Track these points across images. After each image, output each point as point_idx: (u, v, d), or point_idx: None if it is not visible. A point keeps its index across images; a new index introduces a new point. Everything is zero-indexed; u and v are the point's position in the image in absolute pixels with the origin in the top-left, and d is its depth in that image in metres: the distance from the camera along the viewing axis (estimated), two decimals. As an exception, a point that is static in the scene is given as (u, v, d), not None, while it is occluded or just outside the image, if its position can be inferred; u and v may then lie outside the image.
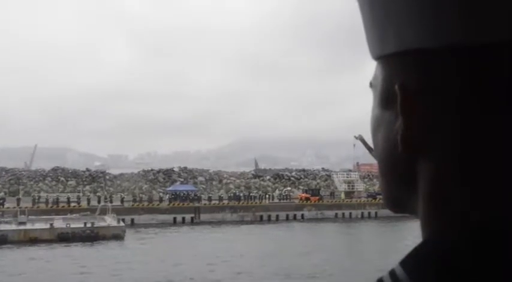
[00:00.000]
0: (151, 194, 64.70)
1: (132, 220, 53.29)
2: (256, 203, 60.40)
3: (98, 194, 63.93)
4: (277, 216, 58.36)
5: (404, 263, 0.44)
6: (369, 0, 0.48)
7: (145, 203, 57.39)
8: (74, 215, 48.93)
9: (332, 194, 66.71)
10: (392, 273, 0.44)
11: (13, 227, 43.74)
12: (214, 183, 76.90)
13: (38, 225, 44.16)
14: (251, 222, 55.61)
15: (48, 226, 43.62)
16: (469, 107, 0.43)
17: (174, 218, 55.00)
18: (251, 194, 64.39)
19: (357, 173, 75.89)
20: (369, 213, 60.67)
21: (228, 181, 77.52)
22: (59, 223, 44.93)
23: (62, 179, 73.71)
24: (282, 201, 63.41)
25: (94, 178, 74.32)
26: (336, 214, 60.29)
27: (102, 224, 45.63)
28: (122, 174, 77.35)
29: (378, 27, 0.48)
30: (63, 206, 54.60)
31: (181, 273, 31.26)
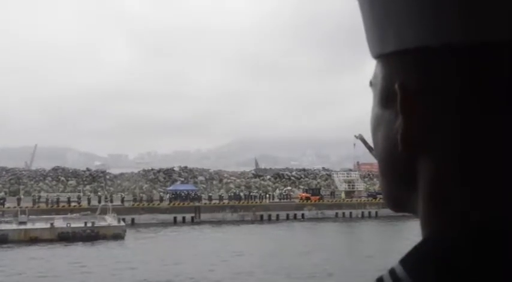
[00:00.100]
0: (151, 193, 64.74)
1: (133, 220, 53.29)
2: (256, 202, 60.38)
3: (98, 193, 63.91)
4: (277, 215, 58.36)
5: (404, 261, 0.44)
6: None
7: (146, 203, 57.39)
8: (75, 214, 48.93)
9: (332, 194, 66.70)
10: (392, 272, 0.44)
11: (13, 226, 43.74)
12: (214, 182, 76.89)
13: (39, 225, 44.17)
14: (251, 222, 55.62)
15: (48, 226, 43.63)
16: (469, 107, 0.43)
17: (175, 218, 55.00)
18: (251, 194, 64.37)
19: (357, 173, 75.81)
20: (369, 212, 60.66)
21: (229, 181, 77.51)
22: (60, 223, 44.93)
23: (63, 178, 73.73)
24: (282, 200, 63.39)
25: (94, 178, 74.33)
26: (337, 214, 60.28)
27: (102, 223, 45.61)
28: (122, 174, 77.33)
29: (378, 26, 0.48)
30: (63, 206, 54.60)
31: (182, 272, 31.25)
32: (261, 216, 57.66)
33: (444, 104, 0.44)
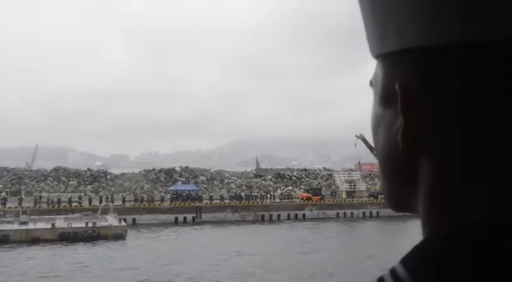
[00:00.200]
0: (152, 193, 64.75)
1: (134, 220, 53.30)
2: (257, 202, 60.36)
3: (99, 194, 63.94)
4: (278, 215, 58.34)
5: (405, 261, 0.44)
6: None
7: (147, 203, 57.38)
8: (76, 214, 48.90)
9: (333, 194, 66.69)
10: (393, 272, 0.44)
11: (15, 226, 43.75)
12: (215, 182, 76.86)
13: (40, 225, 44.17)
14: (252, 222, 55.58)
15: (49, 226, 43.62)
16: (469, 107, 0.43)
17: (176, 218, 54.98)
18: (252, 194, 64.41)
19: (358, 173, 75.75)
20: (371, 212, 60.62)
21: (230, 181, 77.50)
22: (61, 223, 44.92)
23: (64, 179, 73.75)
24: (283, 200, 63.38)
25: (95, 178, 74.35)
26: (338, 214, 60.24)
27: (103, 223, 45.60)
28: (123, 174, 77.36)
29: (378, 25, 0.48)
30: (64, 206, 54.60)
31: (183, 272, 31.24)
32: (262, 216, 57.64)
33: (444, 104, 0.44)
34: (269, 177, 79.55)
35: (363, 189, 68.51)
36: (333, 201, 63.37)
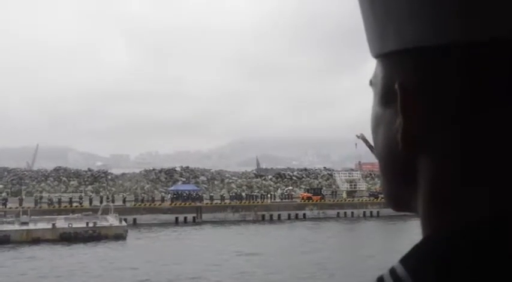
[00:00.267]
0: (153, 193, 64.79)
1: (134, 220, 53.33)
2: (258, 202, 60.36)
3: (100, 194, 63.96)
4: (279, 215, 58.35)
5: (404, 260, 0.44)
6: None
7: (147, 203, 57.41)
8: (76, 215, 48.91)
9: (334, 193, 66.74)
10: (392, 271, 0.44)
11: (15, 227, 43.78)
12: (216, 182, 76.88)
13: (40, 225, 44.20)
14: (253, 222, 55.60)
15: (50, 226, 43.66)
16: (469, 106, 0.43)
17: (176, 218, 54.99)
18: (253, 194, 64.48)
19: (358, 172, 75.78)
20: (371, 212, 60.63)
21: (230, 181, 77.52)
22: (61, 223, 44.95)
23: (64, 179, 73.79)
24: (283, 200, 63.41)
25: (96, 178, 74.38)
26: (338, 213, 60.25)
27: (104, 223, 45.63)
28: (123, 174, 77.40)
29: (378, 25, 0.48)
30: (65, 206, 54.63)
31: (183, 272, 31.25)
32: (263, 216, 57.65)
33: (444, 104, 0.44)
34: (269, 177, 79.56)
35: (364, 189, 68.55)
36: (334, 201, 63.38)
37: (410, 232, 38.07)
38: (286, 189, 71.09)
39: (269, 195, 64.12)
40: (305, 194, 64.51)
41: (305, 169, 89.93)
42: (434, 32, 0.43)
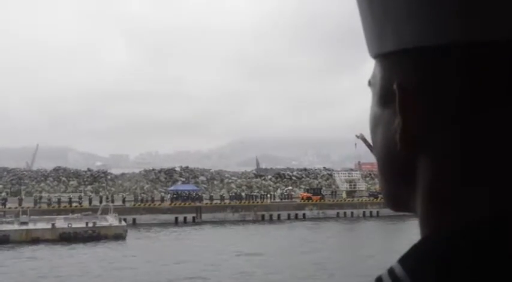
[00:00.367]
0: (152, 193, 64.79)
1: (134, 220, 53.32)
2: (257, 202, 60.37)
3: (99, 194, 63.96)
4: (278, 215, 58.35)
5: (403, 260, 0.44)
6: None
7: (147, 203, 57.41)
8: (76, 215, 48.90)
9: (334, 193, 66.70)
10: (391, 272, 0.44)
11: (15, 227, 43.76)
12: (215, 182, 76.88)
13: (40, 225, 44.19)
14: (253, 222, 55.60)
15: (50, 226, 43.65)
16: (469, 107, 0.43)
17: (176, 218, 54.99)
18: (253, 194, 64.45)
19: (358, 172, 75.81)
20: (371, 212, 60.63)
21: (230, 181, 77.51)
22: (61, 223, 44.93)
23: (64, 179, 73.77)
24: (283, 200, 63.40)
25: (96, 178, 74.37)
26: (338, 213, 60.25)
27: (103, 223, 45.62)
28: (123, 174, 77.40)
29: (377, 25, 0.48)
30: (64, 206, 54.62)
31: (183, 273, 31.24)
32: (262, 216, 57.64)
33: (443, 104, 0.44)
34: (269, 177, 79.55)
35: (363, 188, 68.57)
36: (333, 200, 63.37)
37: (410, 232, 38.05)
38: (285, 189, 71.07)
39: (269, 195, 64.10)
40: (305, 194, 64.50)
41: (305, 169, 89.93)
42: (434, 32, 0.43)
